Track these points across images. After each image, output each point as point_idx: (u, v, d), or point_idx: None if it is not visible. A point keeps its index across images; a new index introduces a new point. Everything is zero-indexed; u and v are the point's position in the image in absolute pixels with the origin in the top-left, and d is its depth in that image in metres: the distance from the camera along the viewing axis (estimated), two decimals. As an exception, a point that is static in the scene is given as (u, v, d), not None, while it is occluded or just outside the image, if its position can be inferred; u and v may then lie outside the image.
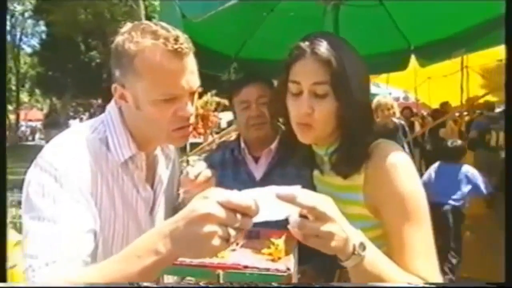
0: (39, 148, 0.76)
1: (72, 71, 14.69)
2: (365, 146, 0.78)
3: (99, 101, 16.37)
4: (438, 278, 0.68)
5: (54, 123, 12.66)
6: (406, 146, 3.43)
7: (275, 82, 1.39)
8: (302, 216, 0.56)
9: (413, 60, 2.51)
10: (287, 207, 0.54)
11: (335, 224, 0.56)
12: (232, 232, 0.49)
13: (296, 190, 0.55)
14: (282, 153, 1.25)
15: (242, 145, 1.31)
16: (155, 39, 0.70)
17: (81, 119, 16.64)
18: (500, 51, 3.52)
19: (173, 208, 0.92)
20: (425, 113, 6.93)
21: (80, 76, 14.27)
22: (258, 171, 1.27)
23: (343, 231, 0.57)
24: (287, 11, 2.10)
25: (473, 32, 2.01)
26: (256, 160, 1.29)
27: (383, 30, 2.28)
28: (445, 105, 5.71)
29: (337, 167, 0.80)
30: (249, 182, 1.23)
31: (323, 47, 0.74)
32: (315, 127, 0.77)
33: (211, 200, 0.49)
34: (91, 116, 16.03)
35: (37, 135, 18.42)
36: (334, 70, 0.73)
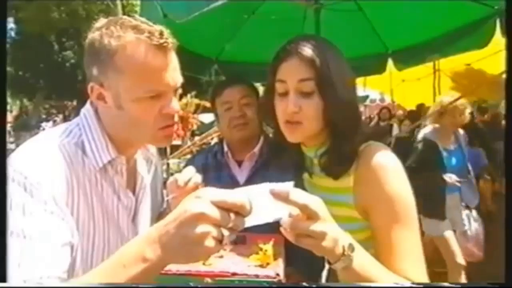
0: (8, 152, 0.69)
1: (44, 72, 14.08)
2: (354, 146, 0.79)
3: (74, 102, 15.80)
4: (425, 280, 0.69)
5: (25, 126, 12.04)
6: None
7: (258, 84, 1.40)
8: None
9: (390, 63, 2.60)
10: (278, 208, 0.53)
11: (326, 224, 0.57)
12: (225, 232, 0.48)
13: (289, 187, 0.54)
14: (266, 156, 1.26)
15: (225, 148, 1.30)
16: (139, 34, 0.66)
17: (54, 122, 15.95)
18: (468, 56, 3.76)
19: (159, 214, 0.89)
20: (400, 114, 7.16)
21: (53, 77, 13.70)
22: (241, 175, 1.26)
23: (333, 231, 0.58)
24: (268, 14, 2.11)
25: (447, 38, 2.11)
26: (240, 164, 1.28)
27: (362, 35, 2.35)
28: (420, 106, 5.93)
29: (327, 168, 0.81)
30: (232, 186, 1.22)
31: (307, 47, 0.76)
32: (304, 124, 0.77)
33: (204, 200, 0.47)
34: (65, 119, 15.41)
35: (6, 138, 17.50)
36: (318, 68, 0.74)
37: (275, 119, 0.82)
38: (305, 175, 0.91)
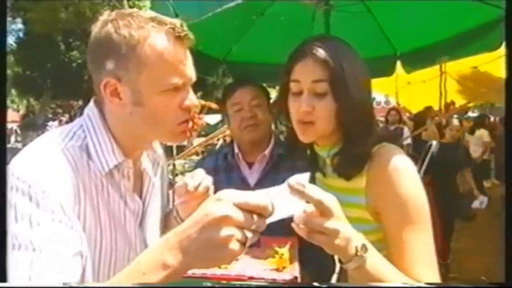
0: (14, 151, 0.64)
1: (51, 71, 14.20)
2: (367, 147, 0.78)
3: (80, 102, 15.93)
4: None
5: (31, 125, 12.15)
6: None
7: (265, 85, 1.40)
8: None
9: (398, 66, 2.58)
10: (293, 204, 0.53)
11: (339, 222, 0.56)
12: (249, 234, 0.47)
13: (305, 180, 0.54)
14: (276, 159, 1.25)
15: (236, 150, 1.29)
16: (161, 25, 0.64)
17: (60, 121, 16.06)
18: (475, 59, 3.72)
19: (164, 216, 0.86)
20: (405, 117, 7.12)
21: (59, 77, 13.81)
22: (252, 177, 1.26)
23: (346, 230, 0.57)
24: (277, 15, 2.11)
25: (457, 40, 2.09)
26: (250, 165, 1.28)
27: (371, 37, 2.33)
28: (428, 109, 5.90)
29: (339, 169, 0.81)
30: (243, 188, 1.21)
31: (321, 49, 0.76)
32: (316, 125, 0.77)
33: (226, 202, 0.46)
34: (71, 118, 15.53)
35: (13, 138, 17.69)
36: (332, 70, 0.75)
37: (289, 118, 0.82)
38: (318, 175, 0.90)
